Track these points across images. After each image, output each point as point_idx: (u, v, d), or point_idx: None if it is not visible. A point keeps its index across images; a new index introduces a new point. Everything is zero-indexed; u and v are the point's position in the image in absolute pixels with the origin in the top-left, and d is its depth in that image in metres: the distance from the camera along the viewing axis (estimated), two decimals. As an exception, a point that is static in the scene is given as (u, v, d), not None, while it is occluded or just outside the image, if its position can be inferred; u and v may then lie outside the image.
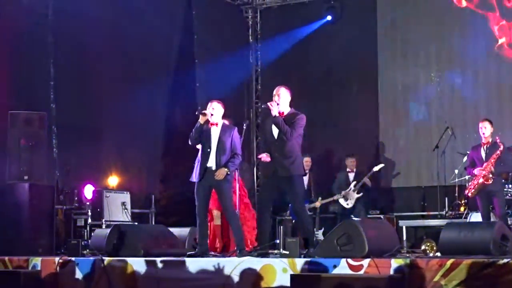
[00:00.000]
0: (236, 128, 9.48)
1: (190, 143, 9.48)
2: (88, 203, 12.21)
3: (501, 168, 10.69)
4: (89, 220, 12.08)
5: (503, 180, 11.24)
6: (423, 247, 11.69)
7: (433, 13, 14.67)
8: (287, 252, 8.20)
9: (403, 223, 13.16)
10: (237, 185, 10.10)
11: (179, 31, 14.97)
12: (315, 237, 11.89)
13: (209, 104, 9.44)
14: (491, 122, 10.87)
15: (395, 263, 7.19)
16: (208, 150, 9.29)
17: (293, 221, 12.71)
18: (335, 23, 15.43)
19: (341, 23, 15.42)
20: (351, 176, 13.67)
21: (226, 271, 7.97)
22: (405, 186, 14.70)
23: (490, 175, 10.57)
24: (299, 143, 9.14)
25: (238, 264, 7.91)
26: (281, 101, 9.14)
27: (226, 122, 9.62)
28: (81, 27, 12.89)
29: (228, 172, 9.21)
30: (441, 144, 13.55)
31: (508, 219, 11.14)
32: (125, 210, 12.40)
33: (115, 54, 13.49)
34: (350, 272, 7.34)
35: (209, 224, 10.11)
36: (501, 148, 10.65)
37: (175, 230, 10.32)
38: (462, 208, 12.71)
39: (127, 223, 12.05)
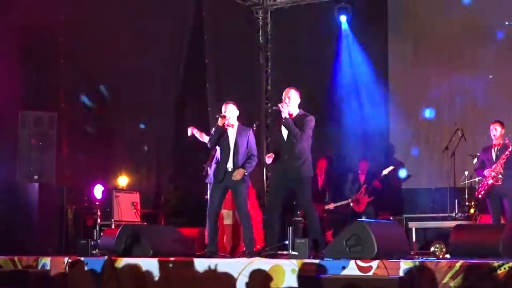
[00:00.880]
0: (251, 129, 9.57)
1: (209, 145, 9.52)
2: (97, 203, 12.24)
3: (510, 169, 10.65)
4: (99, 220, 12.10)
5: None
6: (432, 249, 11.66)
7: (444, 15, 14.65)
8: (296, 253, 8.20)
9: (413, 225, 13.12)
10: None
11: (189, 32, 14.98)
12: (324, 238, 11.93)
13: (224, 106, 9.46)
14: (502, 124, 10.86)
15: (404, 264, 7.18)
16: (227, 151, 9.33)
17: (301, 222, 12.73)
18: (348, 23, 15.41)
19: (352, 24, 15.39)
20: (362, 178, 13.66)
21: (235, 272, 7.97)
22: (415, 187, 14.67)
23: (500, 176, 10.55)
24: (309, 145, 9.16)
25: (247, 265, 7.91)
26: (291, 103, 9.17)
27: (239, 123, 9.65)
28: (92, 25, 12.92)
29: (246, 173, 9.26)
30: (451, 146, 13.51)
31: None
32: (135, 210, 12.42)
33: (126, 53, 13.49)
34: (359, 273, 7.33)
35: (219, 224, 10.13)
36: (510, 148, 10.63)
37: (185, 231, 10.32)
38: (472, 210, 12.66)
39: (137, 223, 12.06)
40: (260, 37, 16.62)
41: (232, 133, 9.37)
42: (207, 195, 9.55)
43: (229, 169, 9.28)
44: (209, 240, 9.39)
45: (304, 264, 7.65)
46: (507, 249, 7.78)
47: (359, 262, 7.40)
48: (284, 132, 9.17)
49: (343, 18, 15.32)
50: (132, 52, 13.57)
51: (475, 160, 11.90)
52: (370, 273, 7.29)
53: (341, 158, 15.06)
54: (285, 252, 9.21)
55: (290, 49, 15.97)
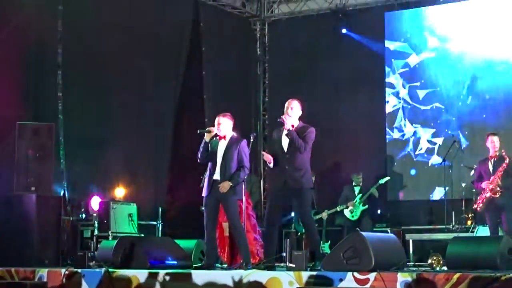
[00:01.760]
0: (244, 141, 9.44)
1: (199, 161, 9.47)
2: (94, 214, 12.23)
3: (508, 181, 10.66)
4: (96, 232, 12.09)
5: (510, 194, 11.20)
6: (429, 261, 11.61)
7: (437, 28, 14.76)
8: (294, 265, 8.19)
9: (410, 237, 13.12)
10: (243, 198, 10.07)
11: (187, 43, 15.00)
12: (321, 250, 11.92)
13: (216, 118, 9.44)
14: (498, 136, 10.87)
15: (401, 277, 7.16)
16: (215, 163, 9.29)
17: (297, 234, 12.71)
18: (344, 35, 15.44)
19: (349, 37, 15.43)
20: (357, 190, 13.67)
21: (233, 284, 7.95)
22: (412, 199, 14.69)
23: (498, 189, 10.55)
24: (308, 156, 9.16)
25: (245, 277, 7.90)
26: (293, 114, 9.17)
27: (234, 134, 9.62)
28: (90, 38, 12.95)
29: (231, 185, 9.19)
30: (448, 158, 13.52)
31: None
32: (132, 222, 12.40)
33: (123, 66, 13.53)
34: (356, 285, 7.31)
35: (218, 236, 10.12)
36: (507, 161, 10.64)
37: (182, 242, 10.31)
38: (469, 222, 12.67)
39: (134, 235, 12.05)
40: (258, 49, 16.66)
41: (222, 145, 9.33)
42: (202, 207, 9.53)
43: (217, 181, 9.24)
44: (207, 252, 9.38)
45: (301, 276, 7.64)
46: (504, 261, 7.78)
47: (357, 274, 7.38)
48: (285, 143, 9.15)
49: (344, 30, 15.38)
50: (130, 63, 13.60)
51: (472, 172, 11.92)
52: (368, 286, 7.27)
53: (336, 170, 15.08)
54: (282, 264, 9.21)
55: (287, 61, 16.01)
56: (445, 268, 8.81)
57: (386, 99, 15.11)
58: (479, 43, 14.35)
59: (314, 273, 7.70)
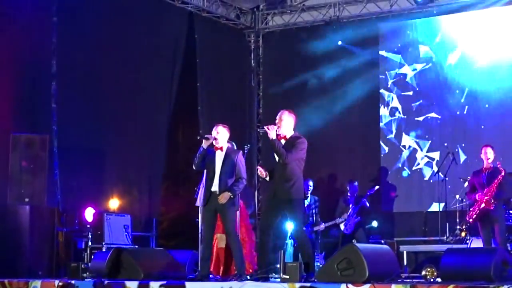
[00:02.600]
0: (241, 152, 9.46)
1: (194, 168, 9.45)
2: (88, 225, 12.20)
3: (502, 193, 10.67)
4: (90, 243, 12.06)
5: (504, 206, 11.22)
6: (423, 273, 11.58)
7: (432, 39, 14.81)
8: (288, 277, 8.18)
9: (404, 248, 13.12)
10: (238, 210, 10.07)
11: (182, 55, 15.02)
12: (316, 261, 11.90)
13: (214, 128, 9.43)
14: (493, 148, 10.87)
15: (395, 288, 7.18)
16: (212, 174, 9.27)
17: (294, 245, 12.69)
18: (339, 46, 15.47)
19: (343, 48, 15.47)
20: (351, 200, 13.66)
21: (226, 295, 7.96)
22: (406, 211, 14.69)
23: (492, 201, 10.55)
24: (300, 167, 9.10)
25: (239, 288, 7.90)
26: (284, 125, 9.12)
27: (230, 145, 9.63)
28: (85, 49, 12.96)
29: (231, 196, 9.19)
30: (442, 169, 13.54)
31: (509, 245, 11.11)
32: (126, 233, 12.38)
33: (118, 77, 13.54)
34: (350, 297, 7.33)
35: (213, 247, 10.11)
36: (503, 173, 10.64)
37: (176, 254, 10.30)
38: (463, 234, 12.67)
39: (128, 246, 12.03)
40: (252, 60, 16.69)
41: (219, 156, 9.32)
42: (198, 218, 9.51)
43: (215, 192, 9.23)
44: (201, 263, 9.36)
45: (295, 287, 7.63)
46: (498, 273, 7.79)
47: (351, 286, 7.39)
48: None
49: (339, 42, 15.43)
50: (124, 75, 13.62)
51: (466, 184, 11.92)
52: (362, 297, 7.29)
53: (332, 181, 15.09)
54: (276, 276, 9.20)
55: (281, 73, 16.03)
56: (439, 279, 8.81)
57: (381, 110, 15.12)
58: (474, 54, 14.40)
59: (308, 284, 7.70)
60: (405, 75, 15.01)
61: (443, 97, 14.65)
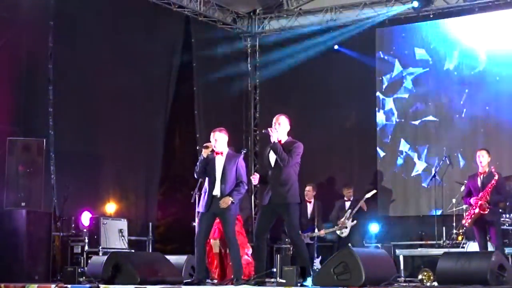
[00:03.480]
0: (241, 156, 9.42)
1: (195, 176, 9.43)
2: (85, 230, 12.18)
3: (496, 197, 10.67)
4: (86, 247, 12.04)
5: (500, 210, 11.22)
6: (420, 277, 11.65)
7: (428, 43, 14.83)
8: (284, 281, 8.18)
9: (401, 252, 13.12)
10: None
11: (178, 59, 15.03)
12: (313, 265, 11.90)
13: (212, 134, 9.40)
14: (488, 152, 10.87)
15: (392, 292, 7.18)
16: (214, 179, 9.25)
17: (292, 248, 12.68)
18: (335, 51, 15.48)
19: (339, 52, 15.48)
20: (347, 205, 13.65)
21: (223, 300, 7.95)
22: (402, 215, 14.69)
23: (486, 205, 10.55)
24: (296, 171, 9.12)
25: (235, 293, 7.90)
26: (280, 129, 9.15)
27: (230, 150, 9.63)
28: (81, 54, 12.96)
29: (233, 201, 9.17)
30: (439, 173, 13.54)
31: (505, 249, 11.11)
32: (122, 237, 12.37)
33: (114, 82, 13.54)
34: (347, 301, 7.33)
35: (208, 253, 10.10)
36: (496, 177, 10.63)
37: (172, 258, 10.29)
38: (459, 238, 12.67)
39: (124, 250, 12.02)
40: (248, 65, 16.71)
41: (220, 161, 9.31)
42: (194, 222, 9.50)
43: (217, 197, 9.22)
44: (197, 267, 9.35)
45: (291, 291, 7.64)
46: (494, 277, 7.79)
47: (347, 290, 7.40)
48: (272, 158, 9.14)
49: (336, 47, 15.43)
50: (121, 78, 13.61)
51: (463, 188, 11.92)
52: (358, 301, 7.29)
53: (328, 185, 15.09)
54: (272, 280, 9.20)
55: (278, 77, 16.03)
56: (435, 283, 8.83)
57: (377, 114, 15.13)
58: (471, 57, 14.42)
59: (304, 288, 7.71)
60: (401, 78, 15.00)
61: (439, 101, 14.65)
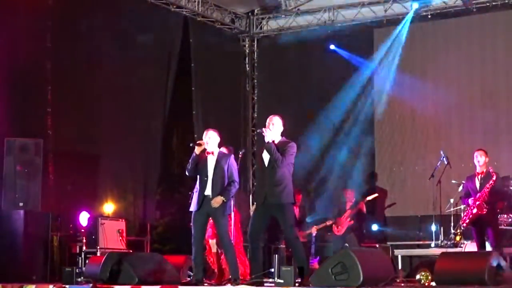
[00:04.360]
0: (232, 156, 9.48)
1: (187, 174, 9.46)
2: (83, 230, 12.18)
3: (494, 198, 10.67)
4: (84, 248, 12.04)
5: (498, 210, 11.22)
6: (418, 277, 11.66)
7: (427, 45, 14.84)
8: (282, 281, 8.18)
9: (399, 252, 13.12)
10: (232, 214, 10.07)
11: (176, 59, 15.02)
12: (310, 265, 11.90)
13: (205, 133, 9.45)
14: (486, 152, 10.86)
15: (390, 292, 7.19)
16: (205, 178, 9.27)
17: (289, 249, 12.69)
18: (333, 51, 15.49)
19: (337, 52, 15.48)
20: (348, 206, 13.66)
21: (221, 300, 7.95)
22: (400, 215, 14.70)
23: (484, 205, 10.55)
24: (290, 172, 9.10)
25: (233, 293, 7.90)
26: (274, 129, 9.14)
27: (225, 150, 9.64)
28: (79, 54, 12.96)
29: (224, 200, 9.19)
30: (437, 173, 13.55)
31: (503, 249, 11.11)
32: (120, 238, 12.37)
33: (113, 82, 13.53)
34: (344, 301, 7.33)
35: (206, 253, 10.11)
36: (494, 178, 10.63)
37: (171, 258, 10.29)
38: (457, 238, 12.68)
39: (122, 250, 12.01)
40: (247, 65, 16.72)
41: (211, 160, 9.33)
42: (190, 223, 9.51)
43: (209, 196, 9.23)
44: (195, 268, 9.35)
45: (289, 292, 7.64)
46: (492, 277, 7.80)
47: (345, 290, 7.40)
48: (266, 158, 9.11)
49: (332, 47, 15.42)
50: (119, 79, 13.61)
51: (461, 188, 11.93)
52: (356, 301, 7.29)
53: (326, 186, 15.08)
54: (270, 280, 9.19)
55: (276, 77, 16.04)
56: (433, 283, 8.82)
57: (375, 114, 15.14)
58: (467, 58, 14.44)
59: (302, 288, 7.71)
60: (400, 78, 14.99)
61: (438, 100, 14.64)
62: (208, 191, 9.24)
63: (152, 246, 13.40)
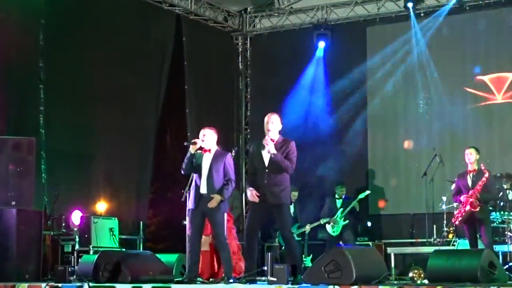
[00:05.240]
0: (229, 154, 9.42)
1: (182, 172, 9.43)
2: (75, 229, 12.15)
3: (487, 195, 10.68)
4: (77, 246, 12.02)
5: (490, 208, 11.24)
6: (411, 274, 11.68)
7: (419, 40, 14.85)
8: (275, 279, 8.19)
9: (392, 250, 13.14)
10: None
11: (170, 58, 15.01)
12: (303, 264, 11.91)
13: (201, 131, 9.43)
14: (477, 150, 10.85)
15: (382, 290, 7.19)
16: (201, 176, 9.26)
17: (282, 247, 12.71)
18: (325, 50, 15.49)
19: (331, 50, 15.49)
20: (339, 203, 13.67)
21: (214, 298, 7.95)
22: (393, 213, 14.72)
23: (477, 202, 10.56)
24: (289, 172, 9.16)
25: (226, 291, 7.89)
26: (274, 128, 9.15)
27: (218, 148, 9.63)
28: (72, 53, 12.94)
29: (222, 199, 9.17)
30: (430, 171, 13.57)
31: (495, 246, 11.14)
32: (113, 236, 12.35)
33: (106, 80, 13.52)
34: (337, 299, 7.34)
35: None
36: (486, 175, 10.64)
37: (163, 257, 10.28)
38: (450, 235, 12.70)
39: (115, 249, 12.00)
40: (240, 63, 16.72)
41: (207, 159, 9.30)
42: (185, 221, 9.49)
43: (204, 195, 9.21)
44: (189, 266, 9.34)
45: (282, 290, 7.65)
46: (485, 274, 7.81)
47: (338, 288, 7.40)
48: (266, 158, 9.11)
49: (321, 44, 15.40)
50: (112, 78, 13.59)
51: (453, 186, 11.93)
52: (349, 299, 7.30)
53: (319, 183, 15.08)
54: (263, 278, 9.20)
55: (269, 75, 16.03)
56: (426, 281, 8.83)
57: (368, 111, 15.15)
58: (463, 56, 14.46)
59: (295, 286, 7.71)
60: (392, 76, 15.01)
61: (431, 99, 14.65)
62: (203, 190, 9.22)
63: (145, 244, 13.38)
